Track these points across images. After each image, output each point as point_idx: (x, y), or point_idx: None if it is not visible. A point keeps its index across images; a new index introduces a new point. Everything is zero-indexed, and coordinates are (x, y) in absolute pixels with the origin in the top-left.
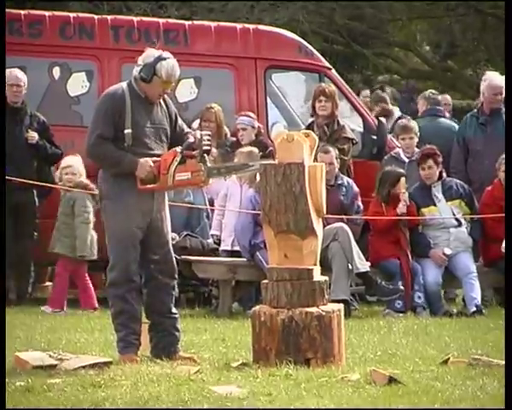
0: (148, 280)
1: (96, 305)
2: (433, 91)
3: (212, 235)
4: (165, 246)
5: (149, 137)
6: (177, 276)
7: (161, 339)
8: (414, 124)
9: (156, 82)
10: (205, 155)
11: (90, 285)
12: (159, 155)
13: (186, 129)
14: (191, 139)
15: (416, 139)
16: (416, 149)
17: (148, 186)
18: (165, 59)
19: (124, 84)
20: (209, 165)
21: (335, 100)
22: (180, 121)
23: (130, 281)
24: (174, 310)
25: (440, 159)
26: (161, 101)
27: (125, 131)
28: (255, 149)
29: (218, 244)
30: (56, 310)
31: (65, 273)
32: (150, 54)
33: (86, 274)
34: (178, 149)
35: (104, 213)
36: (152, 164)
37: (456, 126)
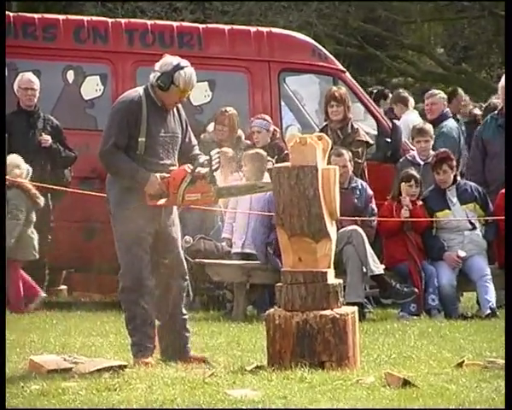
0: (159, 283)
1: (23, 306)
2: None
3: (224, 238)
4: (174, 250)
5: (162, 147)
6: (187, 277)
7: (172, 340)
8: (429, 127)
9: (173, 91)
10: (214, 174)
11: (20, 287)
12: (169, 166)
13: (194, 141)
14: (201, 159)
15: (432, 142)
16: (432, 152)
17: (158, 203)
18: (182, 68)
19: (140, 90)
20: (219, 185)
21: (347, 103)
22: (190, 130)
23: (142, 286)
24: (184, 311)
25: (454, 163)
26: (174, 108)
27: (139, 140)
28: (262, 152)
29: (231, 247)
30: (17, 311)
31: (14, 275)
32: (168, 61)
33: (18, 274)
34: (188, 167)
35: (113, 220)
36: (161, 181)
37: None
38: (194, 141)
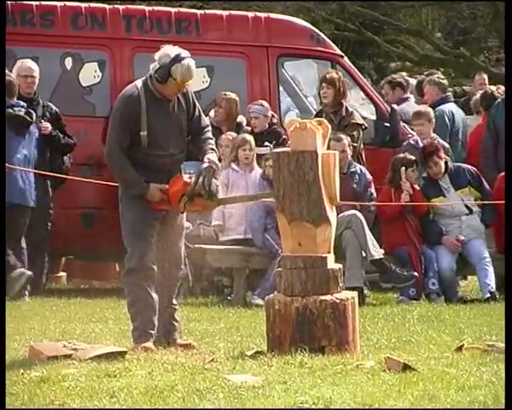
0: (158, 269)
1: None
2: (440, 76)
3: (215, 225)
4: (177, 238)
5: (165, 137)
6: (183, 267)
7: (159, 328)
8: (426, 110)
9: (171, 83)
10: (212, 189)
11: None
12: (174, 155)
13: (204, 122)
14: (205, 164)
15: (430, 125)
16: (433, 135)
17: (162, 207)
18: (180, 60)
19: (139, 84)
20: (219, 197)
21: (338, 86)
22: (199, 112)
23: (146, 269)
24: (174, 301)
25: (443, 151)
26: (179, 94)
27: (141, 133)
28: (234, 135)
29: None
30: None
31: None
32: (166, 53)
33: None
34: (187, 181)
35: (121, 205)
36: (160, 192)
37: (460, 111)
38: (205, 122)
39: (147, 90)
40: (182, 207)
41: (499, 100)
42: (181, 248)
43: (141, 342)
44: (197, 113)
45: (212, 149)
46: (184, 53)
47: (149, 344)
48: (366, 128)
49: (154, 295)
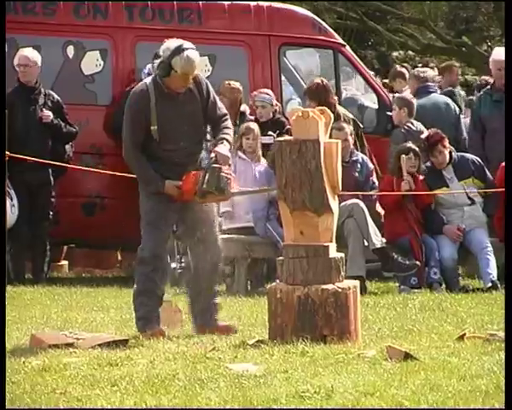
0: (192, 258)
1: None
2: (421, 69)
3: (223, 212)
4: (204, 222)
5: (177, 131)
6: (220, 253)
7: (198, 313)
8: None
9: (175, 76)
10: (220, 185)
11: None
12: (187, 147)
13: (220, 111)
14: (211, 160)
15: (401, 112)
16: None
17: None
18: (180, 53)
19: (148, 80)
20: (231, 191)
21: (320, 97)
22: (212, 101)
23: (157, 259)
24: (215, 286)
25: (447, 140)
26: (191, 84)
27: (152, 128)
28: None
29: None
30: None
31: None
32: (167, 47)
33: None
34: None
35: (141, 195)
36: (176, 187)
37: (449, 100)
38: (221, 111)
39: (156, 85)
40: (197, 200)
41: (482, 92)
42: (213, 232)
43: (149, 328)
44: (212, 102)
45: (223, 140)
46: (186, 44)
47: (157, 328)
48: (360, 128)
49: (162, 287)
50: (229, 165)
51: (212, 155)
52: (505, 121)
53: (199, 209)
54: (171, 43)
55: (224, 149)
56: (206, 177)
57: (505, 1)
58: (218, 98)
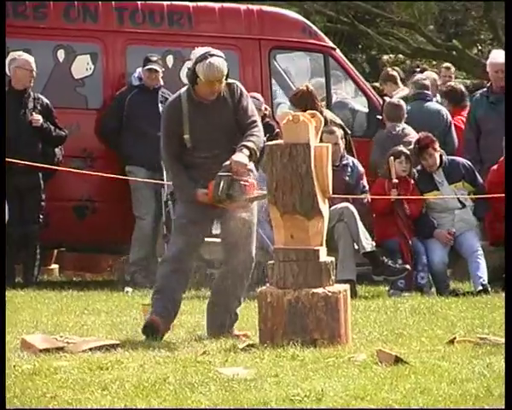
0: (224, 262)
1: None
2: (422, 76)
3: None
4: (237, 231)
5: (208, 139)
6: (252, 259)
7: (216, 319)
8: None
9: (200, 83)
10: (231, 194)
11: None
12: (220, 155)
13: (249, 118)
14: (223, 170)
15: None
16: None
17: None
18: (202, 60)
19: (182, 90)
20: (247, 197)
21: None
22: (243, 107)
23: (179, 262)
24: (241, 297)
25: (437, 143)
26: (223, 92)
27: (184, 136)
28: None
29: None
30: None
31: None
32: (194, 54)
33: None
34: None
35: (178, 200)
36: (205, 194)
37: (444, 109)
38: (250, 117)
39: (189, 94)
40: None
41: (478, 94)
42: (247, 242)
43: (150, 314)
44: (243, 107)
45: (243, 147)
46: (212, 51)
47: (154, 317)
48: (347, 133)
49: (181, 290)
50: (249, 171)
51: (227, 162)
52: (505, 122)
53: (238, 217)
54: (198, 51)
55: (240, 156)
56: (221, 185)
57: (505, 1)
58: (251, 106)
